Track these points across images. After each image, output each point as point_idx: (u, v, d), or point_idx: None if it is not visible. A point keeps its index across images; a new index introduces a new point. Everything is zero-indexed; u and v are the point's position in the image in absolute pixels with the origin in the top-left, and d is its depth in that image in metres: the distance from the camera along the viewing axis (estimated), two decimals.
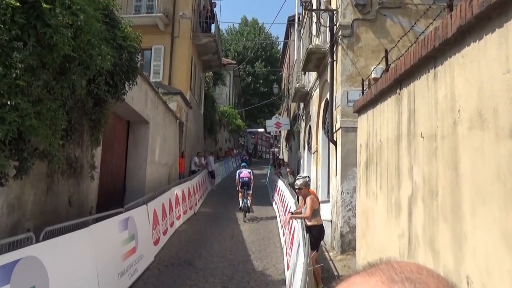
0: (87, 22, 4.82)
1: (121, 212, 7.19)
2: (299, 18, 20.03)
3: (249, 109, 47.17)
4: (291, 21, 27.36)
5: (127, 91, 7.58)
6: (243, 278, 7.42)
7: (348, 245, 9.37)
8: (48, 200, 5.78)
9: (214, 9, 21.19)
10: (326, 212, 10.76)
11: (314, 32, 13.76)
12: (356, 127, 7.88)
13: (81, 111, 6.71)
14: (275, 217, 14.19)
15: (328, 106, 10.91)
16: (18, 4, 3.93)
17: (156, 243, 8.98)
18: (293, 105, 23.68)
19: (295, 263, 5.86)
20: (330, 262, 8.83)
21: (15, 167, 4.51)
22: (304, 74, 17.11)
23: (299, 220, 7.25)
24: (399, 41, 7.10)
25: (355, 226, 8.50)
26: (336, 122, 10.27)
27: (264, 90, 49.99)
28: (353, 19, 9.81)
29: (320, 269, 7.02)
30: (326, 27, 10.75)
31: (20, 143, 4.37)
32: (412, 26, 6.70)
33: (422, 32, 5.36)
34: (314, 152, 14.22)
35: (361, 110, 7.24)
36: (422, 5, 9.43)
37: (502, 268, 2.48)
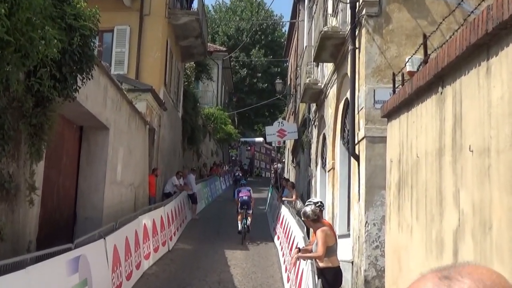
0: None
1: (70, 249, 7.20)
2: None
3: (244, 112, 47.40)
4: None
5: (80, 87, 7.62)
6: None
7: None
8: None
9: None
10: (345, 250, 10.72)
11: (330, 9, 13.90)
12: (385, 137, 7.97)
13: (18, 113, 6.76)
14: (276, 256, 14.16)
15: (349, 109, 10.96)
16: None
17: None
18: (302, 107, 23.85)
19: None
20: None
21: None
22: (317, 66, 17.19)
23: (309, 261, 7.29)
24: (442, 22, 7.16)
25: (384, 269, 8.47)
26: (358, 130, 10.35)
27: (264, 87, 50.33)
28: None
29: None
30: (346, 3, 10.86)
31: None
32: (460, 3, 6.75)
33: (473, 10, 5.38)
34: (329, 170, 14.33)
35: (391, 114, 7.32)
36: None
37: None
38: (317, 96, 16.89)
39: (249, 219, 16.85)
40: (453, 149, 4.64)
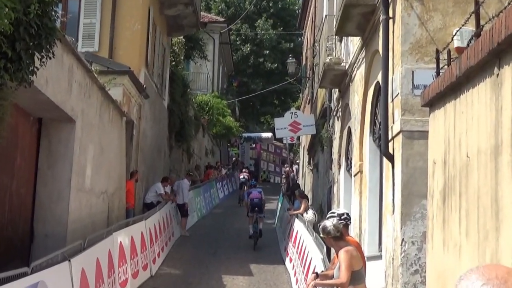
0: None
1: (26, 274, 7.17)
2: None
3: (247, 100, 47.27)
4: None
5: (38, 69, 7.61)
6: None
7: None
8: None
9: None
10: (375, 276, 10.74)
11: None
12: (427, 131, 7.97)
13: None
14: (288, 284, 14.17)
15: (380, 96, 11.00)
16: None
17: None
18: (321, 94, 23.80)
19: None
20: None
21: None
22: (340, 41, 17.22)
23: None
24: None
25: None
26: (393, 123, 10.39)
27: (272, 68, 50.17)
28: None
29: None
30: None
31: None
32: None
33: None
34: (356, 174, 14.35)
35: (434, 102, 7.31)
36: None
37: None
38: (340, 79, 16.81)
39: (261, 223, 19.38)
40: None
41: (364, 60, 13.32)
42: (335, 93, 18.87)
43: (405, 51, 9.97)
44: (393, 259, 10.10)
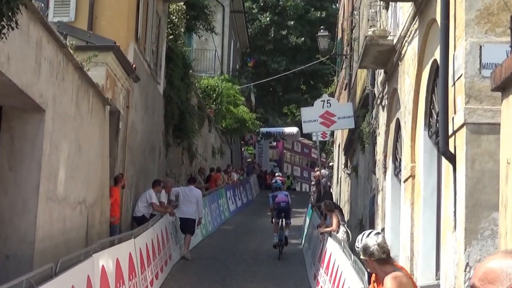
0: None
1: None
2: None
3: (266, 84, 46.97)
4: None
5: None
6: None
7: None
8: None
9: None
10: None
11: None
12: (499, 124, 8.01)
13: None
14: None
15: (438, 78, 11.01)
16: None
17: None
18: (362, 76, 24.00)
19: None
20: None
21: None
22: (386, 8, 17.45)
23: None
24: None
25: None
26: (454, 113, 10.41)
27: (299, 43, 49.89)
28: None
29: None
30: None
31: None
32: None
33: None
34: (406, 179, 14.41)
35: (509, 85, 7.33)
36: None
37: None
38: (386, 57, 16.81)
39: (287, 230, 22.20)
40: None
41: (417, 32, 13.32)
42: (380, 75, 18.92)
43: (471, 20, 9.92)
44: None
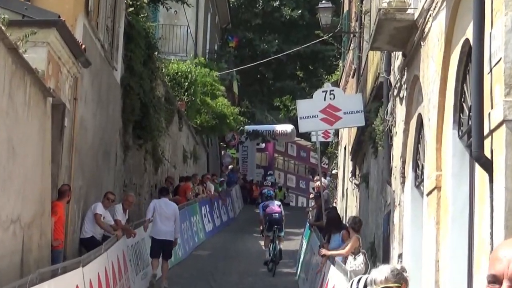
0: None
1: None
2: None
3: (253, 70, 45.94)
4: None
5: None
6: None
7: None
8: None
9: None
10: None
11: None
12: None
13: None
14: None
15: (471, 63, 10.79)
16: None
17: None
18: (374, 60, 24.01)
19: None
20: None
21: None
22: None
23: None
24: None
25: None
26: (491, 108, 10.13)
27: (295, 17, 49.21)
28: None
29: None
30: None
31: None
32: None
33: None
34: (430, 192, 14.11)
35: None
36: None
37: None
38: (405, 36, 16.36)
39: (281, 243, 22.53)
40: None
41: (444, 4, 12.87)
42: (397, 59, 18.42)
43: None
44: None
